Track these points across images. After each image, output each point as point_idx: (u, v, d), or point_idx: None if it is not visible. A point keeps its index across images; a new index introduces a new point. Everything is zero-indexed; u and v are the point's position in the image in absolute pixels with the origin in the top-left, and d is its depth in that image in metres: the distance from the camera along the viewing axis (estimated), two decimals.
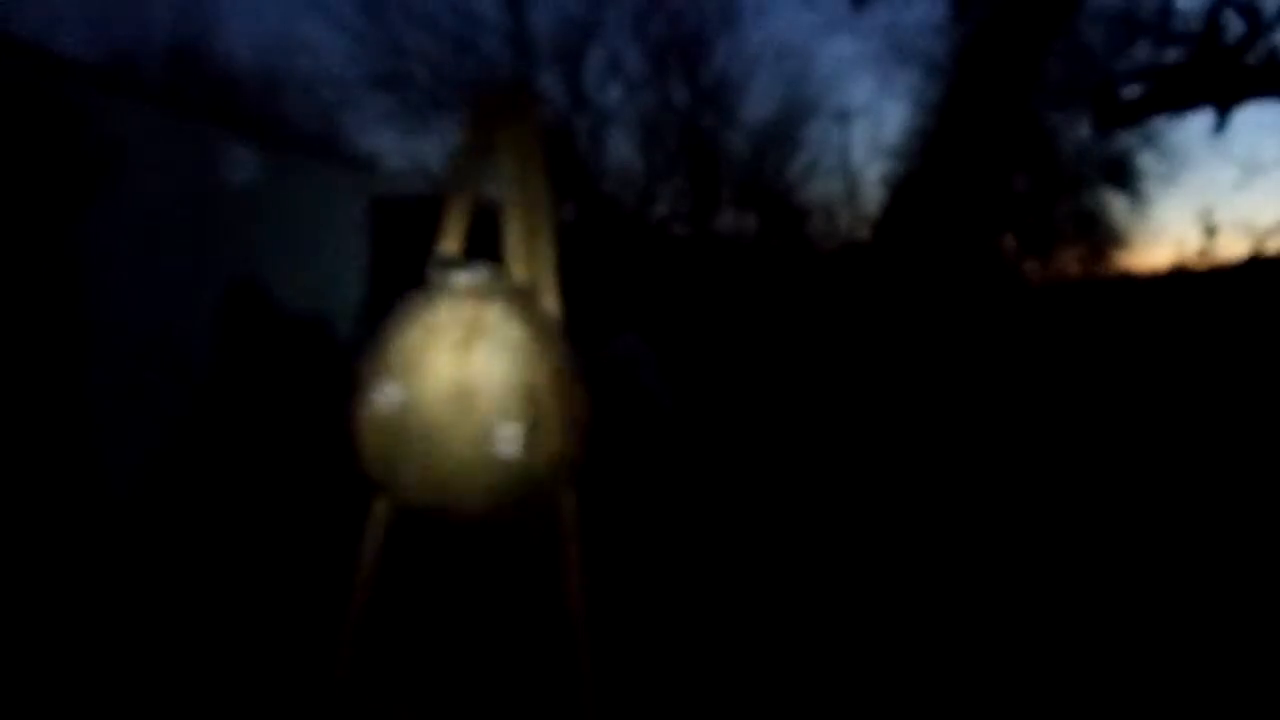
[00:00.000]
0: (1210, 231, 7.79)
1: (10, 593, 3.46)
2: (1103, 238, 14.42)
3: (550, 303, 2.90)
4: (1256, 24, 6.02)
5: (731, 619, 3.46)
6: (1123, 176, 13.62)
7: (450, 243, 3.04)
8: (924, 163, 14.16)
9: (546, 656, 2.44)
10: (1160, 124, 9.38)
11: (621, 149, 13.36)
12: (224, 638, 3.19)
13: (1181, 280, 8.16)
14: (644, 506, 3.92)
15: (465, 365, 2.68)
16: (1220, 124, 6.65)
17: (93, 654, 3.10)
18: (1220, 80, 6.25)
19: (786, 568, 4.05)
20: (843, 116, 15.39)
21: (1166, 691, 2.92)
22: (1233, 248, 7.86)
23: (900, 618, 3.54)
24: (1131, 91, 7.24)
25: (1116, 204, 14.25)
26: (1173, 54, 6.81)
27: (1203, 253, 7.92)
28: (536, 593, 2.50)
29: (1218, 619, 3.44)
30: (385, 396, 2.64)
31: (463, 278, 2.75)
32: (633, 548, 3.62)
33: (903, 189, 15.09)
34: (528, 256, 2.90)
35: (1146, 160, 12.89)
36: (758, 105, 17.83)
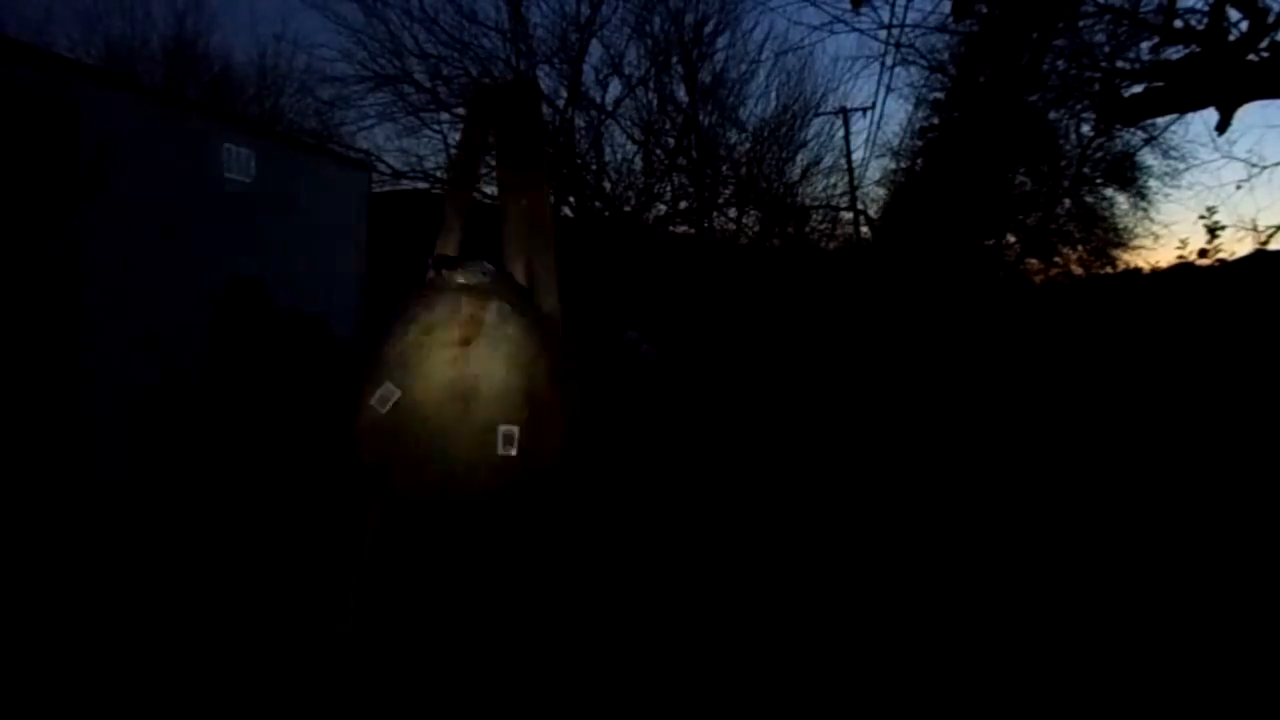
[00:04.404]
0: (1213, 231, 7.72)
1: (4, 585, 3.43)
2: (1105, 237, 14.40)
3: (550, 299, 2.86)
4: (1261, 22, 5.96)
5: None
6: (1125, 175, 13.60)
7: (449, 241, 3.00)
8: (924, 162, 14.14)
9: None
10: (1163, 123, 9.34)
11: (621, 148, 13.30)
12: (217, 630, 3.16)
13: (1185, 276, 8.12)
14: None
15: (463, 365, 2.65)
16: (1223, 123, 6.59)
17: (85, 645, 3.07)
18: (1224, 78, 6.19)
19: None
20: (843, 114, 15.31)
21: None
22: (1236, 247, 7.77)
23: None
24: (1134, 90, 7.19)
25: (1119, 203, 14.24)
26: (1175, 52, 6.75)
27: (1205, 252, 7.85)
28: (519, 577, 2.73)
29: (1216, 617, 3.42)
30: (383, 396, 2.61)
31: (461, 277, 2.70)
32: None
33: (903, 189, 15.07)
34: (528, 254, 2.87)
35: (1149, 159, 12.88)
36: (758, 103, 17.85)
